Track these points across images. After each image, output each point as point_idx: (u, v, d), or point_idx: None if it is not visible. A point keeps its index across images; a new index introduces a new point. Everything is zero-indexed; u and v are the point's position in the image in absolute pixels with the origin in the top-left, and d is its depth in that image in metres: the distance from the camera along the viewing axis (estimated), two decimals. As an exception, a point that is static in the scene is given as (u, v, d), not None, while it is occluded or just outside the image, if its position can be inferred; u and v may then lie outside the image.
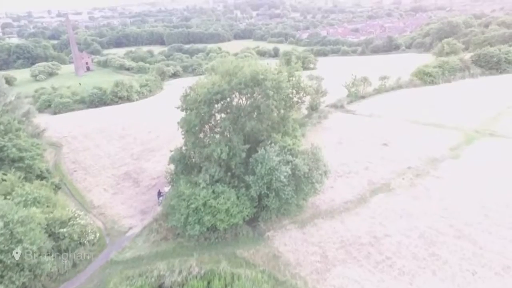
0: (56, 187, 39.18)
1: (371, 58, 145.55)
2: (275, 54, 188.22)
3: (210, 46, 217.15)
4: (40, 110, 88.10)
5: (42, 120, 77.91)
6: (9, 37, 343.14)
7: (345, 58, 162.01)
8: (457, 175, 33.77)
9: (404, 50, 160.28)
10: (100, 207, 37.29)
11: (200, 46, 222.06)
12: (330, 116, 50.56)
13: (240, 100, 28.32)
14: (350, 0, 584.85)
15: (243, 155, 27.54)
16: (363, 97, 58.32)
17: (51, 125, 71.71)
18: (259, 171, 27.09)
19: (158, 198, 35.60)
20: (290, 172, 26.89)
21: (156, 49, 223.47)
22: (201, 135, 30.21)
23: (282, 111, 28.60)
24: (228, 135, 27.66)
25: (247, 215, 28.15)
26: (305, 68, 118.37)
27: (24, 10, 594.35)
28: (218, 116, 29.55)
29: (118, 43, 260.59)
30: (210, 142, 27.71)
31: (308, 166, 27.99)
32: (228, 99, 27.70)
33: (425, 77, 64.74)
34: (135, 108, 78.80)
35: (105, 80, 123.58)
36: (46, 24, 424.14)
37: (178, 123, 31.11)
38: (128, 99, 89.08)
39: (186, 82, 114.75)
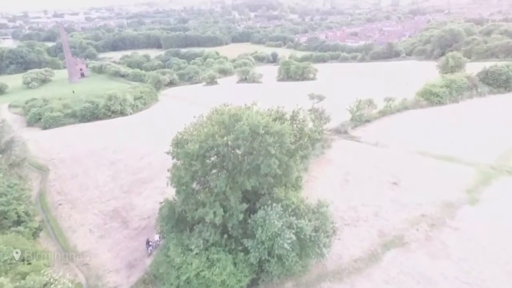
0: (37, 230, 35.95)
1: (371, 65, 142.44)
2: (274, 59, 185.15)
3: (207, 50, 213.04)
4: (30, 123, 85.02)
5: (31, 135, 74.65)
6: (3, 39, 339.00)
7: (344, 65, 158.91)
8: (477, 226, 30.62)
9: (405, 57, 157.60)
10: (84, 255, 34.11)
11: (197, 50, 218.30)
12: (333, 145, 47.36)
13: (238, 155, 24.99)
14: (348, 2, 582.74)
15: (241, 216, 24.29)
16: (367, 120, 55.02)
17: (40, 143, 68.40)
18: (259, 235, 23.91)
19: (147, 248, 32.37)
20: (294, 238, 23.70)
21: (153, 53, 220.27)
22: (194, 185, 27.01)
23: (284, 165, 25.28)
24: (224, 193, 24.33)
25: (246, 285, 24.97)
26: (304, 78, 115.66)
27: (20, 10, 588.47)
28: (212, 168, 26.23)
29: (114, 47, 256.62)
30: (203, 200, 24.39)
31: (314, 227, 24.84)
32: (224, 153, 24.41)
33: (431, 97, 61.64)
34: (128, 125, 75.27)
35: (99, 87, 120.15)
36: (42, 25, 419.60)
37: (168, 170, 28.02)
38: (122, 113, 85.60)
39: (182, 91, 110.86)
